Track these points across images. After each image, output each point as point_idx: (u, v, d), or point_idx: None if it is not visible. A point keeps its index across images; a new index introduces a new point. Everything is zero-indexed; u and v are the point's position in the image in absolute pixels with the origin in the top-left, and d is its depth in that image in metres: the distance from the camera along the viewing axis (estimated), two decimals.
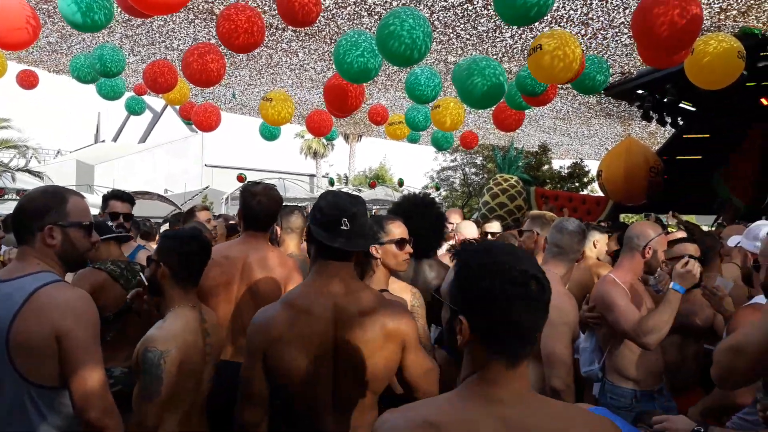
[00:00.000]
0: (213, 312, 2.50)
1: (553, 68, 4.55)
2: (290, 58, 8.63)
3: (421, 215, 3.18)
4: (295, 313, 1.90)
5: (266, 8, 6.50)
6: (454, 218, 5.41)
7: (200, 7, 6.84)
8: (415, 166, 37.81)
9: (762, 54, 6.95)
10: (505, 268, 1.19)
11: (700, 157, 12.05)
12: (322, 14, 6.64)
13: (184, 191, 25.94)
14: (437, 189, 25.31)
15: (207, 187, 26.64)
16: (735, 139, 11.21)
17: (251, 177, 21.86)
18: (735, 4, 5.98)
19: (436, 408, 1.23)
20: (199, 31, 7.74)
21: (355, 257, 2.00)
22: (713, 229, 8.77)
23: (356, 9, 6.53)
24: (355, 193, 2.22)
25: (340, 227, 1.88)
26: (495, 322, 1.19)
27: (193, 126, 8.68)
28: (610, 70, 5.66)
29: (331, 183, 26.06)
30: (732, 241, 3.09)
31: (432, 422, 1.17)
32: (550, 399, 1.28)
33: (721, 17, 6.27)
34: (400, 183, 25.16)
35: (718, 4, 5.95)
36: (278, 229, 3.79)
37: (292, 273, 2.90)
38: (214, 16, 6.78)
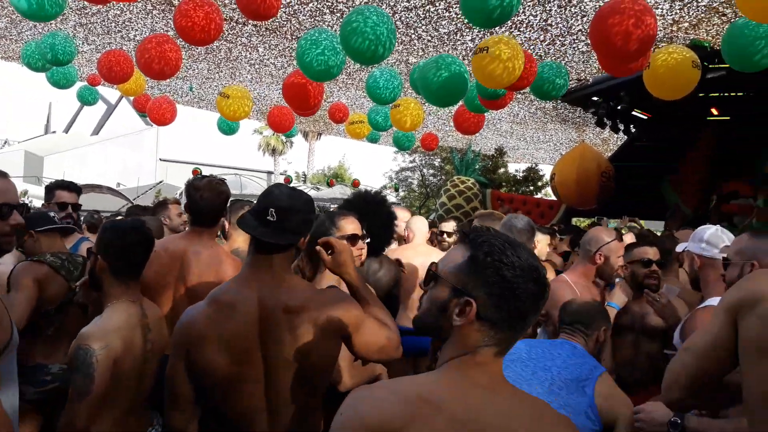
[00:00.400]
0: (156, 307, 2.41)
1: (492, 73, 4.56)
2: (250, 53, 8.52)
3: (373, 213, 3.18)
4: (219, 309, 1.82)
5: (226, 1, 6.41)
6: (403, 215, 5.44)
7: None
8: (374, 166, 37.89)
9: (711, 66, 7.21)
10: (530, 265, 1.21)
11: (650, 164, 12.46)
12: (283, 10, 6.59)
13: (137, 185, 25.33)
14: (396, 189, 25.37)
15: (161, 182, 26.06)
16: (683, 147, 11.61)
17: (207, 172, 21.53)
18: (686, 17, 6.19)
19: (430, 385, 1.21)
20: (157, 22, 7.57)
21: (303, 251, 1.96)
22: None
23: (318, 6, 6.50)
24: (307, 190, 2.13)
25: (266, 217, 1.82)
26: (508, 313, 1.20)
27: (148, 119, 8.48)
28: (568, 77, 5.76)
29: (290, 181, 25.86)
30: (679, 247, 3.19)
31: (428, 399, 1.15)
32: (520, 390, 1.29)
33: (673, 29, 6.48)
34: (355, 183, 25.17)
35: (671, 16, 6.15)
36: (227, 223, 3.72)
37: (230, 270, 2.81)
38: (173, 8, 6.65)
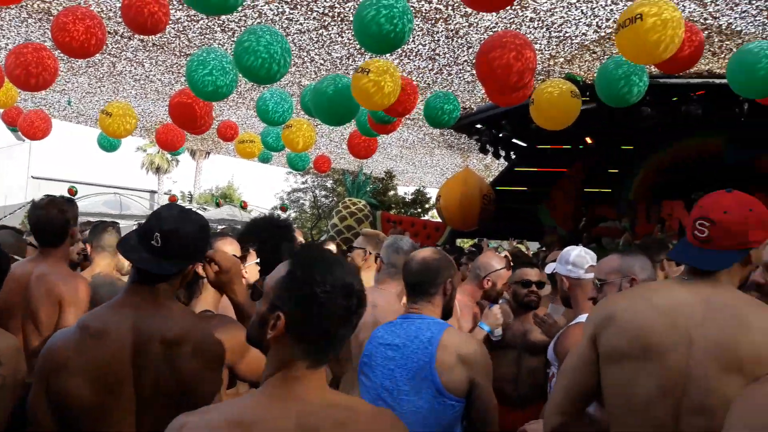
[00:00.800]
0: (11, 337, 2.14)
1: (368, 93, 4.63)
2: (135, 68, 8.20)
3: (279, 237, 3.17)
4: (86, 337, 1.68)
5: (111, 14, 6.16)
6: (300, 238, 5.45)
7: (35, 5, 6.31)
8: (264, 187, 37.24)
9: (583, 99, 7.83)
10: (343, 282, 1.27)
11: (528, 188, 13.30)
12: (171, 26, 6.42)
13: (4, 204, 23.30)
14: (285, 210, 25.13)
15: (32, 201, 24.16)
16: (558, 174, 12.49)
17: (84, 191, 20.23)
18: (562, 53, 6.71)
19: (239, 407, 1.25)
20: (32, 32, 7.11)
21: (183, 278, 1.80)
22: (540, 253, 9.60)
23: (209, 23, 6.40)
24: (198, 210, 2.04)
25: (150, 242, 1.70)
26: (312, 326, 1.25)
27: (20, 133, 7.90)
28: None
29: (176, 200, 24.82)
30: (548, 268, 3.39)
31: (234, 421, 1.19)
32: (341, 394, 1.36)
33: (550, 63, 7.00)
34: (244, 205, 24.69)
35: (548, 51, 6.64)
36: (89, 246, 3.55)
37: (72, 294, 2.72)
38: (51, 17, 6.28)
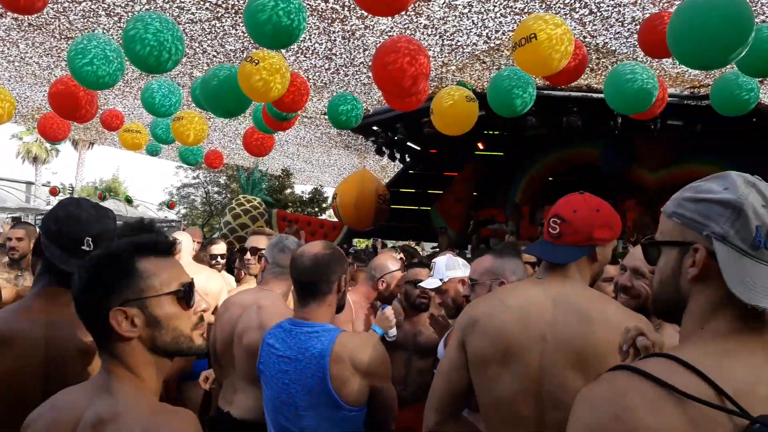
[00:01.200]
0: None
1: (254, 85, 4.57)
2: (9, 49, 7.57)
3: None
4: None
5: None
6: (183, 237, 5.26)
7: None
8: (153, 181, 35.68)
9: None
10: None
11: (421, 191, 13.66)
12: (51, 6, 6.00)
13: None
14: (174, 206, 24.17)
15: None
16: (450, 177, 12.90)
17: None
18: (454, 61, 6.92)
19: None
20: None
21: None
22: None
23: (93, 6, 6.03)
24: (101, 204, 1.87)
25: (81, 247, 1.60)
26: None
27: None
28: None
29: (57, 192, 23.11)
30: (428, 284, 3.49)
31: None
32: None
33: (443, 70, 7.20)
34: (128, 200, 23.49)
35: (441, 58, 6.83)
36: None
37: None
38: None
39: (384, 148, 10.59)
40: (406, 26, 5.90)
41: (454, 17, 5.65)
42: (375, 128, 10.34)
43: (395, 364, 3.38)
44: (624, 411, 0.94)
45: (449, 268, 3.22)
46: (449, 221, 12.14)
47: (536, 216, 11.23)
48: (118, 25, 6.26)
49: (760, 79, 5.12)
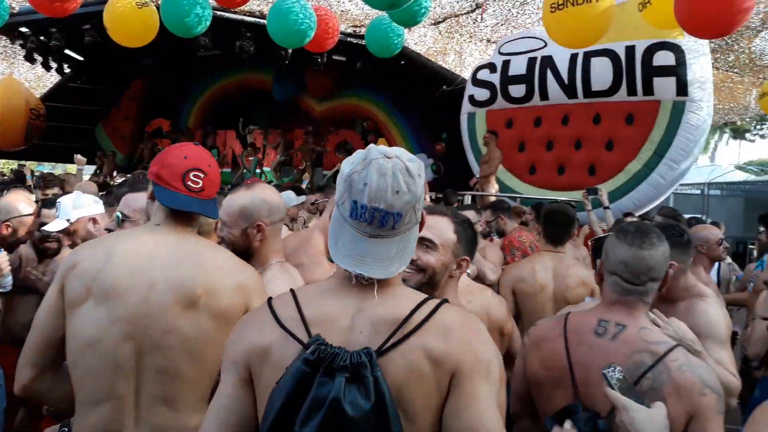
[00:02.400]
0: None
1: None
2: None
3: None
4: None
5: None
6: None
7: None
8: None
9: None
10: None
11: (86, 106, 12.38)
12: None
13: None
14: None
15: None
16: (118, 92, 11.98)
17: None
18: None
19: None
20: None
21: None
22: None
23: None
24: None
25: None
26: None
27: None
28: None
29: None
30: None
31: None
32: None
33: None
34: None
35: None
36: None
37: None
38: None
39: (36, 55, 9.32)
40: None
41: None
42: (23, 30, 8.99)
43: (25, 309, 2.95)
44: (238, 325, 1.29)
45: (76, 207, 2.96)
46: (117, 141, 11.38)
47: (208, 140, 11.26)
48: None
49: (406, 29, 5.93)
